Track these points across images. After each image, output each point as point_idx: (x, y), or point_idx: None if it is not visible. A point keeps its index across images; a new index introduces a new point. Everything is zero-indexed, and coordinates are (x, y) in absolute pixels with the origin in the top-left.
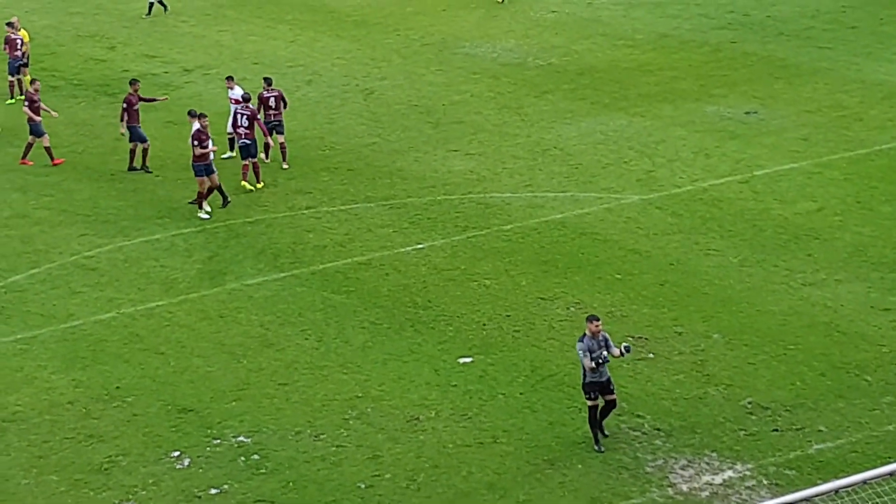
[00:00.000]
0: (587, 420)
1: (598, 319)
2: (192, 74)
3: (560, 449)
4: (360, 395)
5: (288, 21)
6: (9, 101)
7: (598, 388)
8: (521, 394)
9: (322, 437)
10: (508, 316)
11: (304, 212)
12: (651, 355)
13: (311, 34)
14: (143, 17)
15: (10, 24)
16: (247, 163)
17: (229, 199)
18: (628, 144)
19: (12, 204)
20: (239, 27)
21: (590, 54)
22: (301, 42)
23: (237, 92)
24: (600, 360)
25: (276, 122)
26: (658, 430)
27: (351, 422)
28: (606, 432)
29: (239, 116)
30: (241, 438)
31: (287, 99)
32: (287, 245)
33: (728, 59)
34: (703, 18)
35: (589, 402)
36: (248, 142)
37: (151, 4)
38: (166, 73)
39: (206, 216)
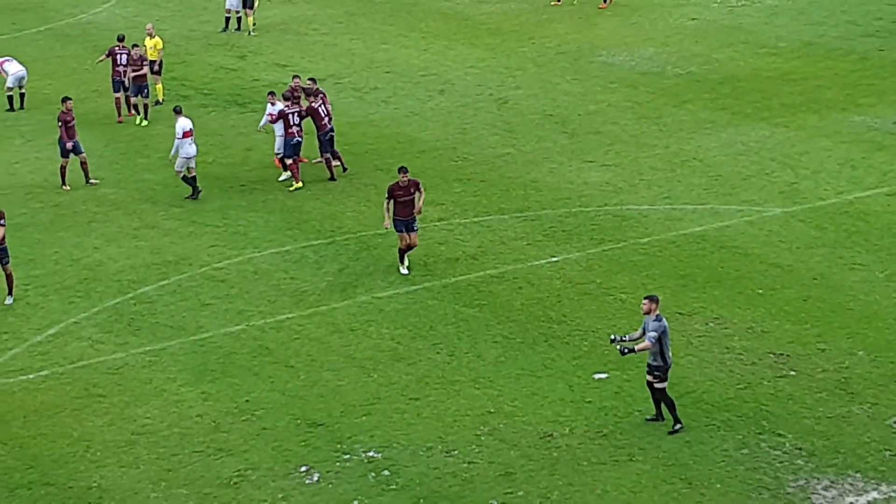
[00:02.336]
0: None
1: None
2: (324, 84)
3: (698, 468)
4: (492, 410)
5: (421, 29)
6: (143, 123)
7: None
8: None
9: (454, 452)
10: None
11: (436, 224)
12: (793, 372)
13: (444, 42)
14: (219, 32)
15: (120, 39)
16: (293, 160)
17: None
18: (770, 156)
19: (142, 215)
20: (371, 35)
21: (731, 63)
22: (434, 50)
23: (277, 107)
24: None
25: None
26: (800, 449)
27: (483, 438)
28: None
29: (291, 116)
30: (371, 453)
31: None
32: (419, 257)
33: (876, 68)
34: (850, 26)
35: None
36: (299, 140)
37: (227, 19)
38: None
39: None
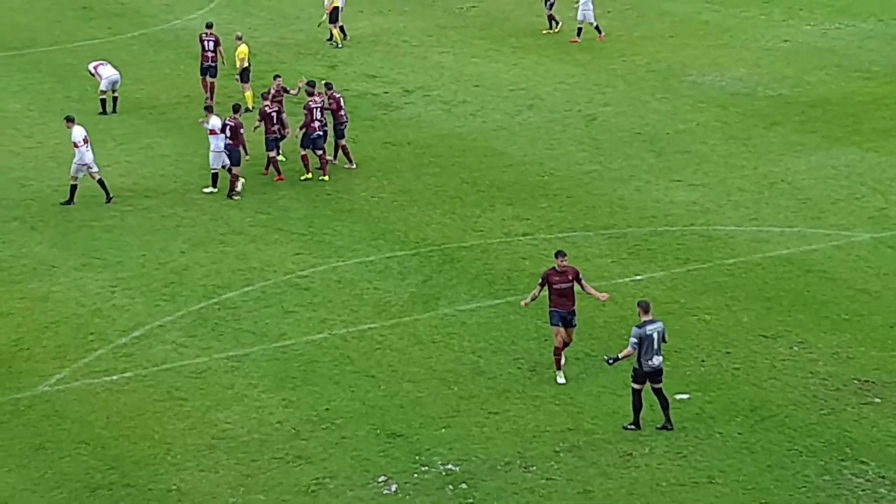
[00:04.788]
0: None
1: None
2: (413, 95)
3: (779, 493)
4: (571, 427)
5: (511, 44)
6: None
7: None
8: (738, 433)
9: (532, 468)
10: (728, 353)
11: (521, 238)
12: (878, 400)
13: (534, 57)
14: (327, 41)
15: (208, 27)
16: (320, 153)
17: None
18: (860, 180)
19: (229, 221)
20: (461, 49)
21: (822, 86)
22: (524, 65)
23: (213, 122)
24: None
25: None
26: (882, 477)
27: (562, 454)
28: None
29: (315, 111)
30: (449, 466)
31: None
32: (502, 271)
33: None
34: None
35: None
36: (320, 133)
37: (331, 32)
38: (386, 93)
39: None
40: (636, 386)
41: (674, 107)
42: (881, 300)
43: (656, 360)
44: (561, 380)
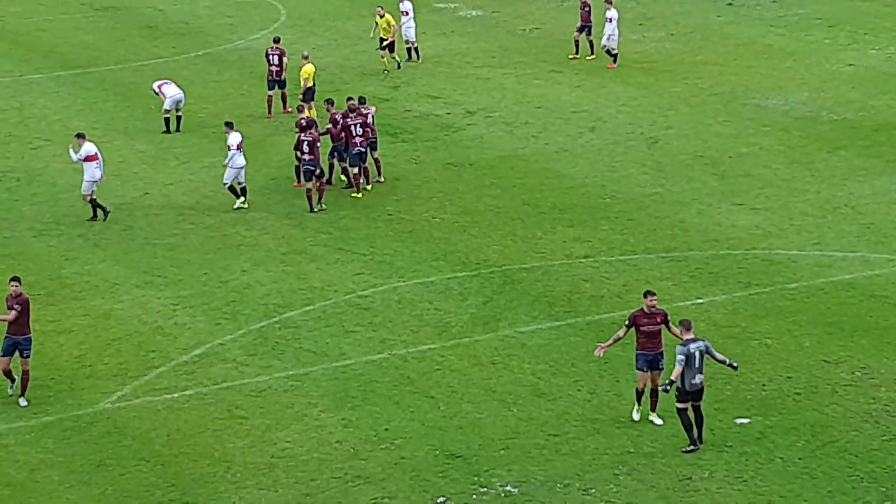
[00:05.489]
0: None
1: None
2: (475, 117)
3: None
4: (631, 450)
5: (573, 66)
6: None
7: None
8: (799, 459)
9: (591, 491)
10: (790, 377)
11: (582, 260)
12: None
13: (597, 80)
14: (406, 61)
15: (275, 41)
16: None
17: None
18: None
19: (290, 240)
20: (523, 70)
21: (888, 110)
22: (586, 87)
23: (234, 137)
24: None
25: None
26: None
27: (621, 477)
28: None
29: (354, 127)
30: (508, 488)
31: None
32: (563, 293)
33: None
34: None
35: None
36: (361, 149)
37: (409, 50)
38: (448, 114)
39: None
40: (681, 405)
41: (736, 130)
42: None
43: (698, 379)
44: (636, 415)
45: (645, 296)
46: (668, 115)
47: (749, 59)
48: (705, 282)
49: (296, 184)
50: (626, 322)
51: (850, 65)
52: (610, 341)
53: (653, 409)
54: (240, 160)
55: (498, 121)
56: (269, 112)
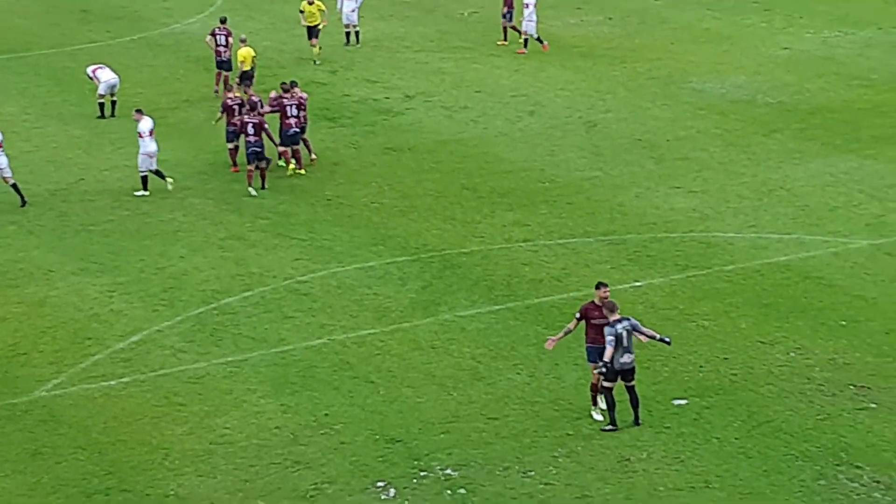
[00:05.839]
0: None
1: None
2: (414, 101)
3: (774, 497)
4: (570, 432)
5: (512, 50)
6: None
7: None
8: (736, 439)
9: (531, 473)
10: (726, 359)
11: (521, 244)
12: (873, 405)
13: (535, 64)
14: (344, 46)
15: (222, 21)
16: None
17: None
18: (858, 187)
19: (228, 226)
20: (462, 54)
21: (822, 94)
22: (525, 71)
23: (146, 122)
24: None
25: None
26: (877, 482)
27: (560, 459)
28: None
29: (289, 108)
30: (448, 471)
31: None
32: (502, 277)
33: None
34: None
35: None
36: (296, 130)
37: (348, 34)
38: (387, 98)
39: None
40: (608, 384)
41: (674, 114)
42: (877, 307)
43: (627, 358)
44: (597, 416)
45: (597, 287)
46: (607, 99)
47: (686, 43)
48: (643, 265)
49: (233, 169)
50: (577, 314)
51: (786, 48)
52: (560, 334)
53: (595, 404)
54: (151, 146)
55: (437, 105)
56: (217, 87)
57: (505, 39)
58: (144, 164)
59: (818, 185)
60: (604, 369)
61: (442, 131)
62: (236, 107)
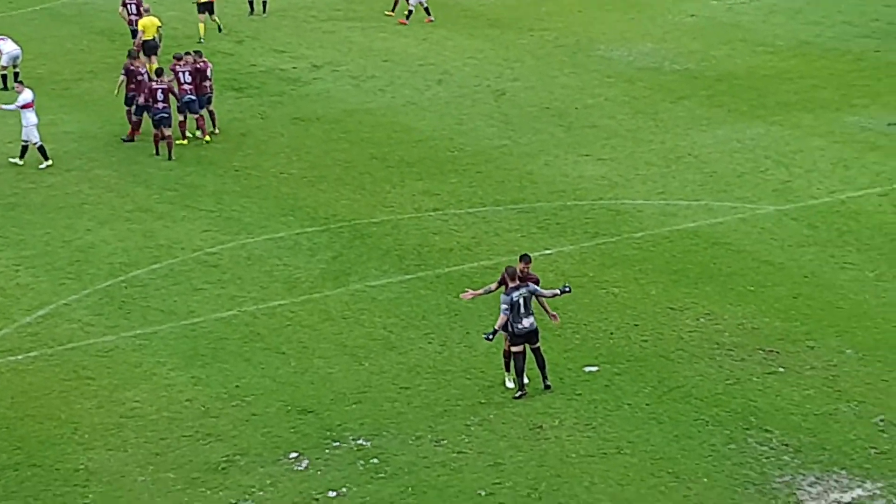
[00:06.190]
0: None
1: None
2: (321, 71)
3: (685, 462)
4: (483, 401)
5: (419, 18)
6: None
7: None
8: (647, 405)
9: (443, 442)
10: (636, 325)
11: (431, 214)
12: (782, 369)
13: (443, 32)
14: (249, 15)
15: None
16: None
17: None
18: (765, 153)
19: (135, 198)
20: (369, 23)
21: (728, 60)
22: (433, 40)
23: (26, 94)
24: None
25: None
26: (786, 445)
27: (473, 428)
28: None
29: (181, 75)
30: (360, 441)
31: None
32: (412, 247)
33: (871, 69)
34: (847, 26)
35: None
36: (191, 97)
37: (252, 2)
38: (294, 68)
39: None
40: (516, 349)
41: (582, 81)
42: (785, 271)
43: (527, 322)
44: (510, 384)
45: (520, 259)
46: (515, 68)
47: (594, 10)
48: (553, 232)
49: (130, 132)
50: (499, 279)
51: (692, 15)
52: (480, 290)
53: (507, 370)
54: (32, 118)
55: (344, 75)
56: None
57: (393, 11)
58: (33, 134)
59: (725, 152)
60: (492, 337)
61: (350, 101)
62: (141, 75)
